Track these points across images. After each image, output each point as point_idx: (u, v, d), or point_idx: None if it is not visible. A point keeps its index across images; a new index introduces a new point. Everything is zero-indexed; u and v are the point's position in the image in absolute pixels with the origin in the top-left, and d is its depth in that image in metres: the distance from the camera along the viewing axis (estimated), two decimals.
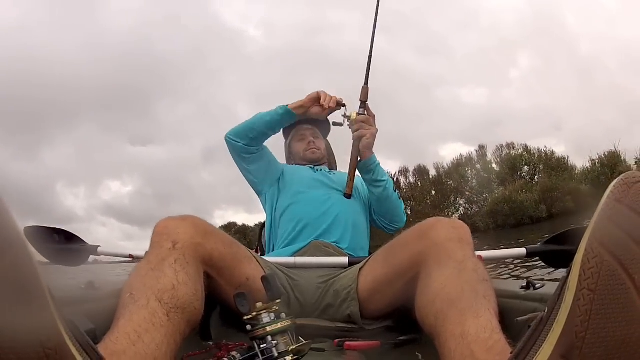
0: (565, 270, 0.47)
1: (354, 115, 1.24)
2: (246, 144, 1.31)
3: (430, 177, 13.38)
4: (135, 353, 0.58)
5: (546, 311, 0.47)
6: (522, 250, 1.24)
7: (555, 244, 1.25)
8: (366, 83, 1.29)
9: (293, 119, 1.30)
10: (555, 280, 0.91)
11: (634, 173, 0.45)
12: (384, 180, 1.30)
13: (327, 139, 1.59)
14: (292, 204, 1.29)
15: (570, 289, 0.43)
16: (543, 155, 12.14)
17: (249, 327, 0.67)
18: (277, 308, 0.69)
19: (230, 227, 20.72)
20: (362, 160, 1.25)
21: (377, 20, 1.36)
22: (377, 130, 1.25)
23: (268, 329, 0.66)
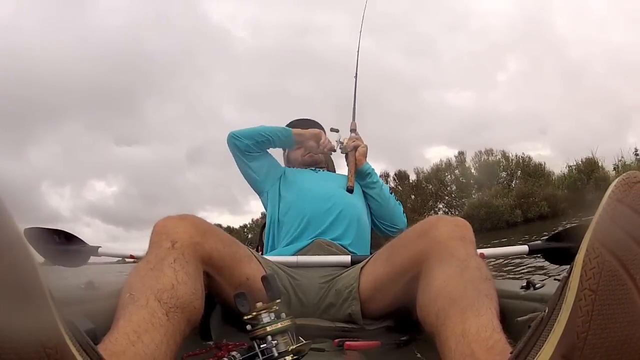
0: (566, 268, 0.47)
1: (346, 141, 1.43)
2: (251, 144, 1.39)
3: (410, 181, 13.55)
4: (135, 353, 0.58)
5: (547, 311, 0.47)
6: (524, 248, 1.24)
7: (557, 241, 1.25)
8: (354, 119, 1.55)
9: (291, 145, 1.47)
10: (556, 280, 0.90)
11: (634, 173, 0.45)
12: (379, 182, 1.42)
13: None
14: (296, 201, 1.30)
15: (571, 289, 0.43)
16: (521, 161, 12.40)
17: (249, 327, 0.67)
18: (277, 308, 0.69)
19: None
20: (358, 167, 1.38)
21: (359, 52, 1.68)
22: (367, 148, 1.43)
23: (268, 328, 0.66)
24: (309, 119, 1.66)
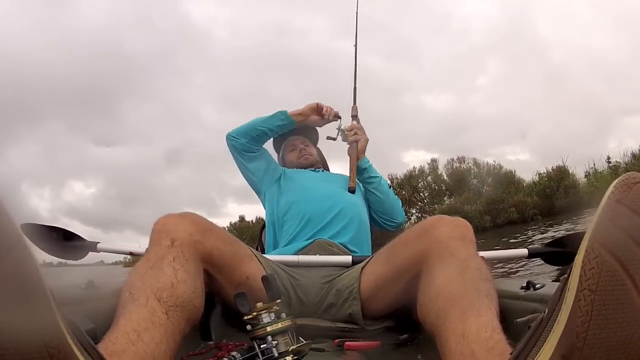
0: (565, 269, 0.47)
1: (347, 129, 1.40)
2: (247, 142, 1.38)
3: None
4: (135, 352, 0.58)
5: (546, 312, 0.47)
6: (524, 251, 1.25)
7: (557, 246, 1.26)
8: (354, 102, 1.49)
9: (292, 125, 1.40)
10: (556, 280, 0.91)
11: (634, 174, 0.45)
12: (378, 177, 1.41)
13: (318, 146, 1.67)
14: (297, 200, 1.30)
15: (570, 290, 0.43)
16: (491, 169, 12.65)
17: (249, 327, 0.67)
18: (278, 308, 0.69)
19: None
20: (357, 162, 1.35)
21: (357, 44, 1.62)
22: (368, 139, 1.40)
23: (268, 329, 0.66)
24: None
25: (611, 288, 0.41)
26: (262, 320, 0.67)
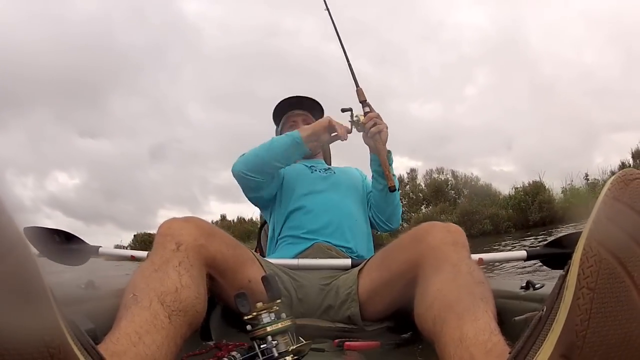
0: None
1: (362, 117, 1.23)
2: (263, 179, 1.25)
3: None
4: (136, 354, 0.58)
5: (545, 310, 0.47)
6: (523, 253, 1.25)
7: (555, 247, 1.26)
8: (357, 85, 1.29)
9: (305, 152, 1.25)
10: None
11: (631, 170, 0.45)
12: (395, 176, 1.26)
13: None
14: (293, 211, 1.26)
15: (569, 288, 0.43)
16: (469, 181, 13.20)
17: (249, 327, 0.67)
18: (278, 308, 0.69)
19: None
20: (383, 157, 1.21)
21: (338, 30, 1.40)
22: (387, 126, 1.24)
23: (268, 329, 0.66)
24: (301, 96, 1.48)
25: (610, 286, 0.41)
26: (262, 321, 0.67)
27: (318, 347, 0.81)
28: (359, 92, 1.28)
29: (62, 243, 1.28)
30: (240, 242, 0.96)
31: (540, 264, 1.34)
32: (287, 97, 1.48)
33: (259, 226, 1.59)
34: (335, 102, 1.39)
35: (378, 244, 1.28)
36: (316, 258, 1.13)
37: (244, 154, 1.27)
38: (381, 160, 1.21)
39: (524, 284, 0.93)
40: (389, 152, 1.24)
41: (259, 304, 0.68)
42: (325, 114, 1.46)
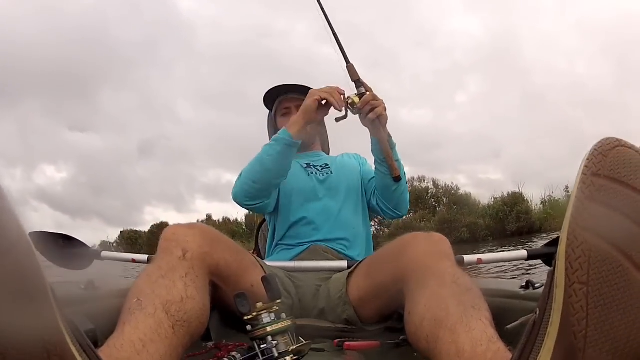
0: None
1: (357, 99, 1.09)
2: (268, 200, 1.20)
3: None
4: None
5: (537, 313, 0.43)
6: (523, 253, 1.24)
7: (557, 246, 1.26)
8: (347, 61, 1.13)
9: (299, 147, 1.15)
10: None
11: (607, 139, 0.39)
12: (399, 161, 1.18)
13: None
14: (295, 223, 1.22)
15: (559, 287, 0.38)
16: (449, 190, 13.55)
17: (249, 327, 0.67)
18: (278, 308, 0.69)
19: (162, 227, 20.35)
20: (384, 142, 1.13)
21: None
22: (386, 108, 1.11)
23: (268, 329, 0.66)
24: (292, 84, 1.35)
25: (605, 274, 0.36)
26: (262, 321, 0.67)
27: (318, 347, 0.81)
28: (351, 70, 1.12)
29: (65, 247, 1.29)
30: (242, 248, 0.96)
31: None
32: (270, 88, 1.37)
33: (256, 227, 1.58)
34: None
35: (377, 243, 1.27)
36: (313, 260, 1.13)
37: (240, 178, 1.19)
38: (383, 149, 1.12)
39: (524, 284, 0.93)
40: (389, 136, 1.15)
41: (259, 304, 0.68)
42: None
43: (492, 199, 11.51)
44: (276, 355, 0.64)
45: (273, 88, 1.36)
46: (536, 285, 0.90)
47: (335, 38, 1.16)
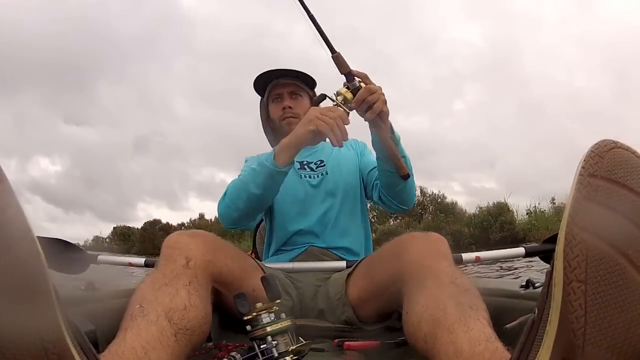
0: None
1: (349, 95, 0.95)
2: (253, 222, 1.20)
3: None
4: None
5: (536, 313, 0.43)
6: (521, 250, 1.24)
7: (554, 242, 1.26)
8: (333, 51, 0.97)
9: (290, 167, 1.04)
10: None
11: (604, 141, 0.40)
12: (406, 156, 1.07)
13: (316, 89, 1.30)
14: (293, 235, 1.20)
15: (557, 285, 0.39)
16: (436, 198, 14.00)
17: (248, 327, 0.67)
18: (277, 308, 0.69)
19: (155, 224, 20.71)
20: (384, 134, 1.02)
21: None
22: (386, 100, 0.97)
23: (268, 329, 0.66)
24: (284, 69, 1.25)
25: (603, 272, 0.37)
26: (262, 321, 0.67)
27: (318, 347, 0.81)
28: (339, 60, 0.96)
29: (62, 252, 1.29)
30: (244, 253, 0.96)
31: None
32: (261, 72, 1.26)
33: (254, 227, 1.57)
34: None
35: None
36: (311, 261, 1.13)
37: (224, 199, 1.11)
38: (386, 147, 1.00)
39: (524, 283, 0.93)
40: (392, 130, 1.03)
41: (259, 304, 0.69)
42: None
43: (478, 209, 11.78)
44: (276, 355, 0.64)
45: (264, 73, 1.26)
46: (536, 285, 0.90)
47: (314, 23, 0.99)
